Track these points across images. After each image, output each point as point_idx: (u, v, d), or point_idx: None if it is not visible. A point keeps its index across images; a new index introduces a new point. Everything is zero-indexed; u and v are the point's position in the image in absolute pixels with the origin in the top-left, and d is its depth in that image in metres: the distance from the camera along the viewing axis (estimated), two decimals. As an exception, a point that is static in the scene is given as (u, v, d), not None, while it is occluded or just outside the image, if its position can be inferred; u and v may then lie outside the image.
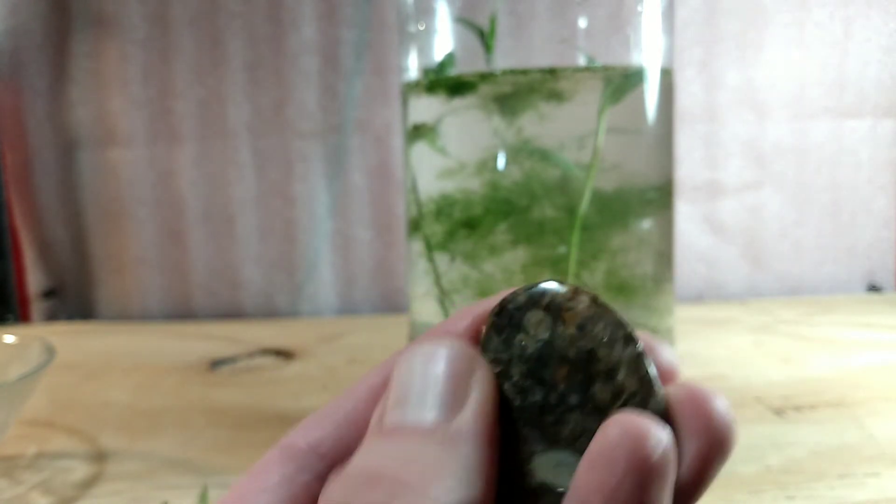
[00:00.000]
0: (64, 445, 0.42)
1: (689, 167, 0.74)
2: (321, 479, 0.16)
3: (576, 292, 0.16)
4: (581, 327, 0.16)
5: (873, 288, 0.77)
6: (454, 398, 0.15)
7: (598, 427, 0.15)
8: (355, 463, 0.15)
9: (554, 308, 0.16)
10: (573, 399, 0.15)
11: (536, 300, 0.16)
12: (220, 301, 0.76)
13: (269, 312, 0.76)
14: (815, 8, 0.72)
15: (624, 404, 0.15)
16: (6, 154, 0.75)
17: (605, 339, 0.16)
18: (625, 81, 0.34)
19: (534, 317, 0.16)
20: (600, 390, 0.15)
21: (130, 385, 0.53)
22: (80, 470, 0.39)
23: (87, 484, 0.37)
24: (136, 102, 0.74)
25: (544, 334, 0.16)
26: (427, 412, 0.15)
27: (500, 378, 0.16)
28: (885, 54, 0.73)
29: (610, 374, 0.15)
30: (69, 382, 0.53)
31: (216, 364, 0.57)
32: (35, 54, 0.74)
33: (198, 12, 0.72)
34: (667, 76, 0.35)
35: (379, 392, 0.17)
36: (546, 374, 0.16)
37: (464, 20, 0.35)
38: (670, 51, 0.36)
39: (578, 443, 0.15)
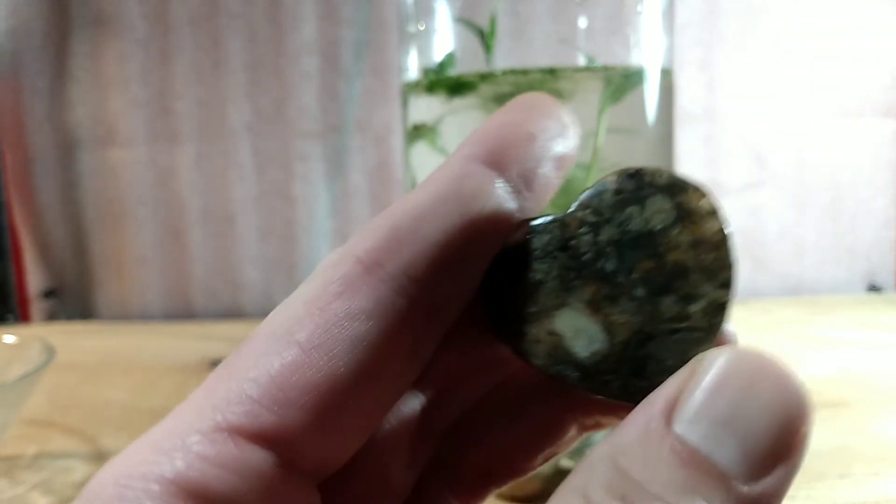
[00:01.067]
0: (64, 445, 0.42)
1: (689, 167, 0.74)
2: (418, 304, 0.14)
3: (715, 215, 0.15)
4: (695, 246, 0.15)
5: (873, 288, 0.77)
6: (767, 460, 0.12)
7: (641, 324, 0.14)
8: (635, 470, 0.12)
9: (685, 211, 0.15)
10: (639, 292, 0.15)
11: (674, 189, 0.15)
12: (220, 301, 0.76)
13: (269, 312, 0.76)
14: (815, 8, 0.72)
15: (676, 332, 0.15)
16: (6, 154, 0.75)
17: (709, 267, 0.15)
18: (625, 81, 0.34)
19: (659, 203, 0.15)
20: (669, 303, 0.15)
21: (130, 385, 0.53)
22: (80, 470, 0.39)
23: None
24: (136, 102, 0.74)
25: (659, 224, 0.15)
26: (741, 462, 0.12)
27: (585, 230, 0.15)
28: (885, 54, 0.73)
29: (687, 299, 0.15)
30: (69, 382, 0.53)
31: (216, 364, 0.57)
32: (35, 54, 0.74)
33: (198, 12, 0.72)
34: (667, 76, 0.35)
35: (468, 200, 0.14)
36: (633, 256, 0.15)
37: (464, 20, 0.35)
38: (670, 51, 0.36)
39: (609, 321, 0.15)
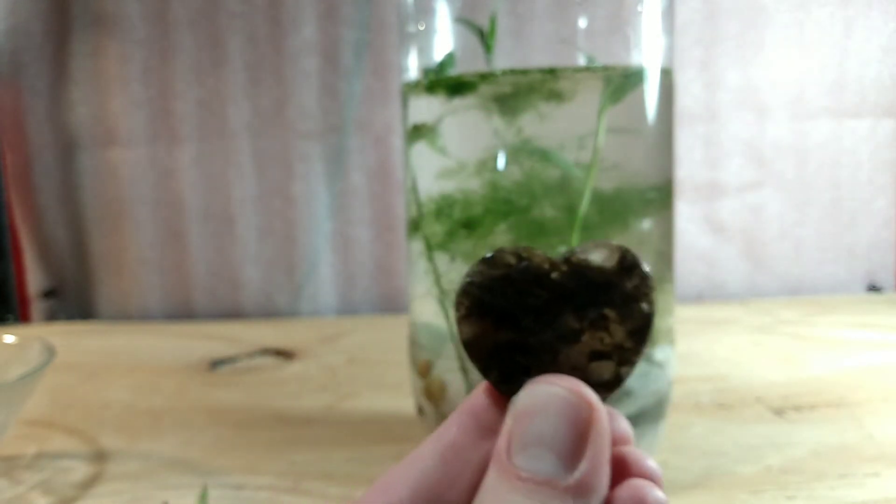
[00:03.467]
0: (64, 445, 0.42)
1: (689, 167, 0.74)
2: None
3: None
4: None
5: (873, 288, 0.77)
6: (576, 452, 0.16)
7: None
8: (487, 501, 0.16)
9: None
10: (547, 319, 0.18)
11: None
12: (220, 301, 0.76)
13: (269, 312, 0.76)
14: (815, 8, 0.72)
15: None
16: (6, 154, 0.75)
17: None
18: (625, 81, 0.34)
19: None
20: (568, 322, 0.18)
21: (130, 385, 0.53)
22: (80, 470, 0.39)
23: (87, 484, 0.37)
24: (136, 102, 0.74)
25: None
26: (558, 464, 0.16)
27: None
28: (885, 54, 0.73)
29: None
30: (69, 382, 0.53)
31: (216, 364, 0.57)
32: (35, 54, 0.74)
33: (198, 12, 0.72)
34: (667, 76, 0.35)
35: (449, 454, 0.18)
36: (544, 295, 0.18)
37: (464, 20, 0.35)
38: (670, 51, 0.36)
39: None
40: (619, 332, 0.18)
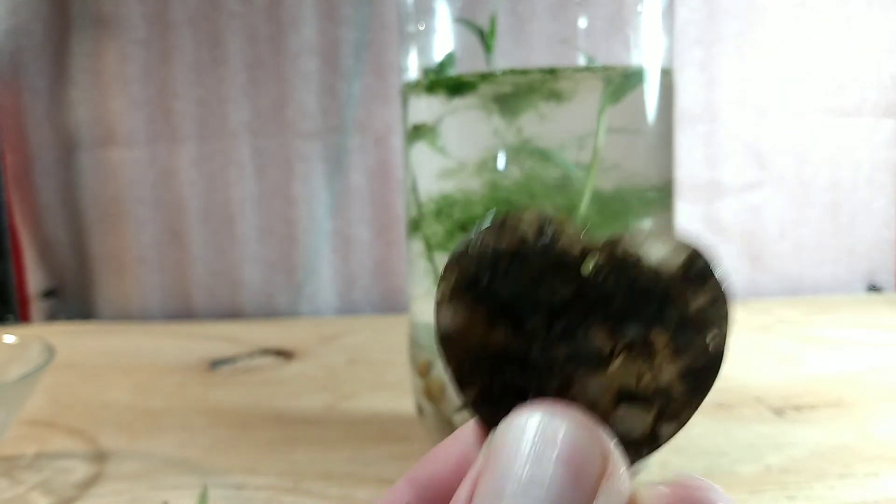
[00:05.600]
0: (64, 445, 0.42)
1: (689, 167, 0.74)
2: None
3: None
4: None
5: (873, 288, 0.77)
6: None
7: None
8: None
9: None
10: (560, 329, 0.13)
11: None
12: (220, 301, 0.76)
13: (269, 312, 0.76)
14: (814, 8, 0.72)
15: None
16: (6, 154, 0.75)
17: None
18: (625, 81, 0.34)
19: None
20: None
21: (130, 385, 0.53)
22: (80, 470, 0.39)
23: (87, 484, 0.37)
24: (136, 102, 0.74)
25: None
26: None
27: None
28: (885, 54, 0.73)
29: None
30: (69, 382, 0.53)
31: (216, 364, 0.57)
32: (35, 54, 0.74)
33: (198, 12, 0.72)
34: (667, 76, 0.35)
35: (458, 464, 0.14)
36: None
37: (464, 20, 0.35)
38: (670, 51, 0.36)
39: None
40: (667, 370, 0.12)
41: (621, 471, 0.11)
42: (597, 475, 0.11)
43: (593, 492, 0.11)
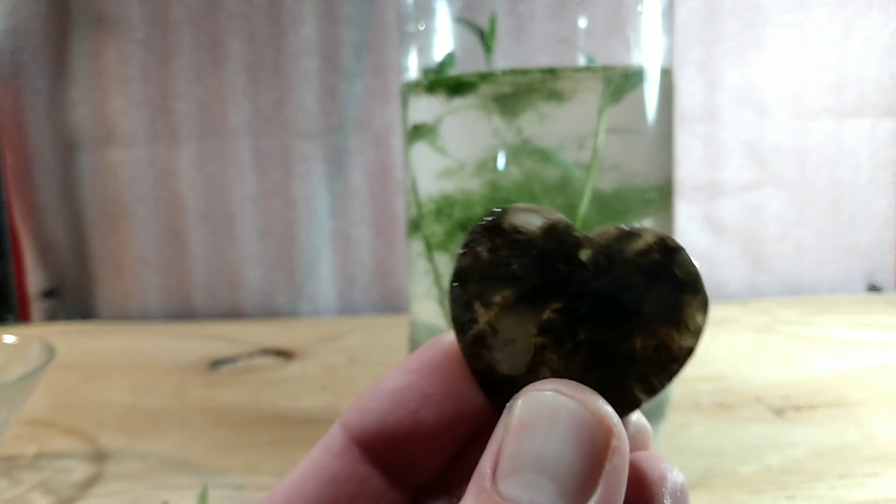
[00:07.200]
0: (64, 445, 0.42)
1: (689, 167, 0.74)
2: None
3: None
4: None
5: (873, 288, 0.77)
6: (585, 486, 0.13)
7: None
8: None
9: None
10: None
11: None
12: (220, 301, 0.76)
13: (269, 312, 0.76)
14: (815, 8, 0.72)
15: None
16: (6, 154, 0.75)
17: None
18: (625, 81, 0.34)
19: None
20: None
21: (130, 385, 0.53)
22: (80, 470, 0.39)
23: (87, 484, 0.37)
24: (136, 102, 0.74)
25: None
26: (558, 498, 0.13)
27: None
28: (885, 54, 0.73)
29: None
30: (69, 382, 0.53)
31: (216, 364, 0.57)
32: (35, 54, 0.74)
33: (198, 12, 0.72)
34: (667, 76, 0.35)
35: (424, 368, 0.15)
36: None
37: (464, 20, 0.35)
38: (670, 51, 0.36)
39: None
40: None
41: (624, 445, 0.13)
42: (603, 447, 0.13)
43: (601, 462, 0.13)
